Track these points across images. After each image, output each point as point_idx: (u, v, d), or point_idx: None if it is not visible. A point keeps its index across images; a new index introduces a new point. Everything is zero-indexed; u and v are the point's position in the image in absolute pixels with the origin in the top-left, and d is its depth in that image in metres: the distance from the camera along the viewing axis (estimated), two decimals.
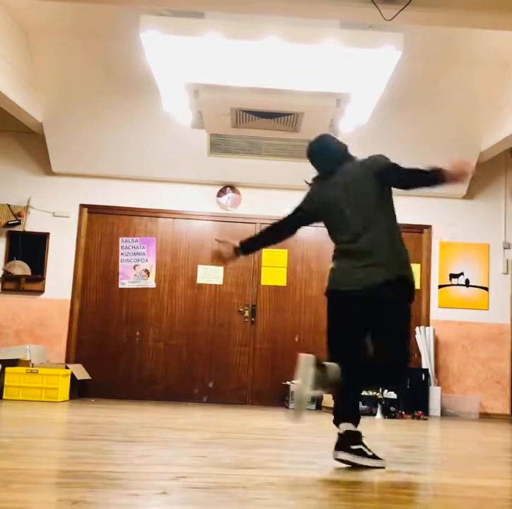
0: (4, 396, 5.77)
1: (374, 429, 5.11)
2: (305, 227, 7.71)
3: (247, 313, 6.85)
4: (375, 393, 6.11)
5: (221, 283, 6.91)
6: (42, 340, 6.62)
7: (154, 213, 6.97)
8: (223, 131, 6.18)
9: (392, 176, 3.11)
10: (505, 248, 6.98)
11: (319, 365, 2.60)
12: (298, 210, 3.13)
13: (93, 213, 6.96)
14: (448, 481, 2.75)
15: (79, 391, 6.34)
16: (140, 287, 6.87)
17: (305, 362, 2.57)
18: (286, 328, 6.86)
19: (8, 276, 6.72)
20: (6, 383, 5.82)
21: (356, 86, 5.16)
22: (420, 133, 6.54)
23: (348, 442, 2.76)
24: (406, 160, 7.35)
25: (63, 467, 2.70)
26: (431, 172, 2.83)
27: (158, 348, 6.82)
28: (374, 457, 2.77)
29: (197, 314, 6.86)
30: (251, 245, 3.17)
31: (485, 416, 6.67)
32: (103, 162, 6.78)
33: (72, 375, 6.11)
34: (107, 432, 3.91)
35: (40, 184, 6.88)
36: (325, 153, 3.20)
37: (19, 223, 6.77)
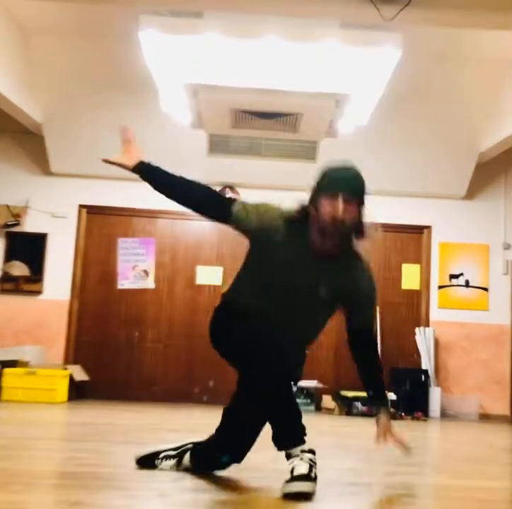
0: (2, 398, 5.75)
1: (374, 430, 5.09)
2: None
3: None
4: None
5: (220, 284, 6.90)
6: (41, 341, 6.60)
7: (153, 214, 6.96)
8: (222, 131, 6.18)
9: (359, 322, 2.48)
10: (505, 249, 6.97)
11: None
12: (229, 207, 2.39)
13: (92, 213, 6.94)
14: (448, 482, 2.74)
15: (78, 392, 6.32)
16: (139, 288, 6.85)
17: None
18: None
19: (6, 277, 6.70)
20: (4, 384, 5.80)
21: (356, 86, 5.15)
22: (419, 134, 6.53)
23: None
24: (407, 161, 7.38)
25: (61, 468, 2.69)
26: (381, 385, 2.49)
27: (157, 349, 6.80)
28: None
29: (196, 315, 6.85)
30: (155, 181, 2.62)
31: (485, 417, 6.65)
32: (102, 163, 6.75)
33: (71, 376, 6.09)
34: (105, 433, 3.90)
35: (39, 184, 6.86)
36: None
37: (18, 224, 6.75)
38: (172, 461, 2.57)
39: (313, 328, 2.48)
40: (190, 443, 2.61)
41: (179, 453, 2.58)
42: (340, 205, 2.25)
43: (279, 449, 2.30)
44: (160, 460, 2.58)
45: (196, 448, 2.57)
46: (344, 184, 2.29)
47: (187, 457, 2.56)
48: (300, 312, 2.36)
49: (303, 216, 2.35)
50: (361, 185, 2.33)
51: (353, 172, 2.35)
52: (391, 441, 2.40)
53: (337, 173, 2.33)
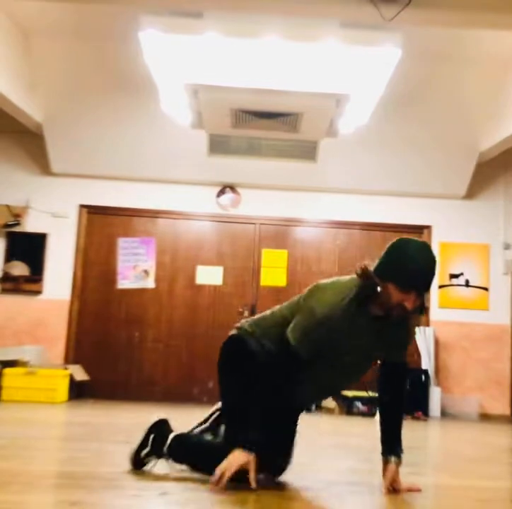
0: (3, 398, 5.75)
1: (374, 430, 5.09)
2: (305, 228, 7.66)
3: (246, 314, 6.83)
4: (375, 394, 6.09)
5: (221, 284, 6.89)
6: (41, 341, 6.60)
7: (153, 214, 6.96)
8: (222, 131, 6.18)
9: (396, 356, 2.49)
10: (505, 248, 6.97)
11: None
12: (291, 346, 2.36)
13: (93, 213, 6.94)
14: (448, 482, 2.74)
15: (78, 392, 6.32)
16: (139, 287, 6.85)
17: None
18: None
19: (6, 277, 6.70)
20: (4, 384, 5.79)
21: (356, 86, 5.15)
22: (420, 134, 6.53)
23: None
24: (407, 160, 7.36)
25: (62, 468, 2.69)
26: (400, 428, 2.46)
27: (157, 349, 6.80)
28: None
29: (197, 314, 6.85)
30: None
31: (485, 417, 6.65)
32: (103, 163, 6.77)
33: (71, 376, 6.09)
34: (106, 433, 3.90)
35: (39, 184, 6.86)
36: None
37: (18, 224, 6.75)
38: (154, 458, 2.54)
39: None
40: (152, 430, 2.56)
41: (154, 447, 2.53)
42: (412, 300, 2.18)
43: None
44: (146, 459, 2.55)
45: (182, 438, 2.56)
46: (422, 281, 2.19)
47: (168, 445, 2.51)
48: (347, 375, 2.48)
49: (369, 288, 2.24)
50: (434, 278, 2.23)
51: (432, 264, 2.20)
52: (400, 491, 2.37)
53: (417, 266, 2.18)
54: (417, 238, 2.31)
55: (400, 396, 2.49)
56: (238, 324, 2.58)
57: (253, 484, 2.21)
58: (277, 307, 2.56)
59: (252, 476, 2.21)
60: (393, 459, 2.37)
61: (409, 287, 2.17)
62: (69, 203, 6.87)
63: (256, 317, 2.61)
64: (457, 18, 4.38)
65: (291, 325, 2.34)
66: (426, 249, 2.24)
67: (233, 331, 2.56)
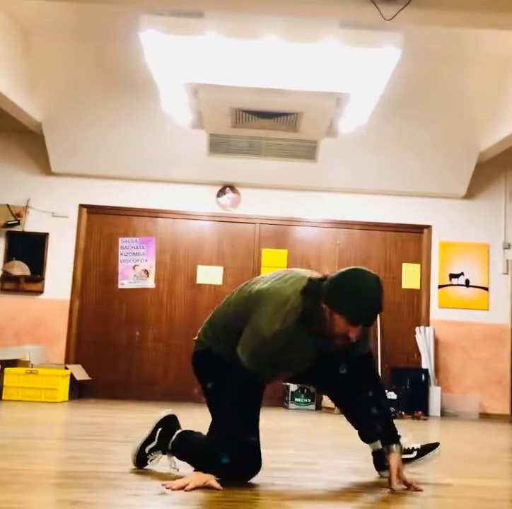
0: (3, 397, 5.76)
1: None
2: (305, 228, 7.66)
3: None
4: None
5: (221, 284, 6.90)
6: (42, 340, 6.61)
7: (153, 213, 6.96)
8: (222, 131, 6.18)
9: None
10: (505, 248, 6.97)
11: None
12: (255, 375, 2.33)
13: (93, 213, 6.95)
14: (448, 482, 2.74)
15: (79, 391, 6.33)
16: (139, 287, 6.86)
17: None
18: None
19: (7, 277, 6.71)
20: (5, 384, 5.80)
21: (356, 86, 5.16)
22: (420, 133, 6.54)
23: None
24: (407, 160, 7.36)
25: (62, 468, 2.70)
26: (390, 417, 2.48)
27: (157, 349, 6.81)
28: None
29: (197, 314, 6.85)
30: None
31: (485, 417, 6.66)
32: (103, 163, 6.77)
33: (71, 376, 6.10)
34: (106, 432, 3.91)
35: (39, 184, 6.87)
36: None
37: (18, 223, 6.76)
38: (159, 454, 2.54)
39: None
40: (160, 425, 2.57)
41: (160, 442, 2.53)
42: (356, 333, 2.19)
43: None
44: (150, 455, 2.55)
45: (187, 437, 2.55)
46: (370, 317, 2.20)
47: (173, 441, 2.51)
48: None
49: (314, 310, 2.21)
50: (381, 311, 2.21)
51: (381, 300, 2.18)
52: (406, 482, 2.36)
53: (368, 303, 2.17)
54: (369, 270, 2.24)
55: (380, 386, 2.51)
56: (196, 337, 2.70)
57: (217, 487, 2.20)
58: (233, 297, 2.51)
59: (214, 486, 2.19)
60: (395, 447, 2.39)
61: (358, 322, 2.18)
62: (69, 203, 6.87)
63: (211, 315, 2.62)
64: (457, 18, 4.38)
65: (240, 345, 2.31)
66: (377, 284, 2.20)
67: (195, 346, 2.69)
